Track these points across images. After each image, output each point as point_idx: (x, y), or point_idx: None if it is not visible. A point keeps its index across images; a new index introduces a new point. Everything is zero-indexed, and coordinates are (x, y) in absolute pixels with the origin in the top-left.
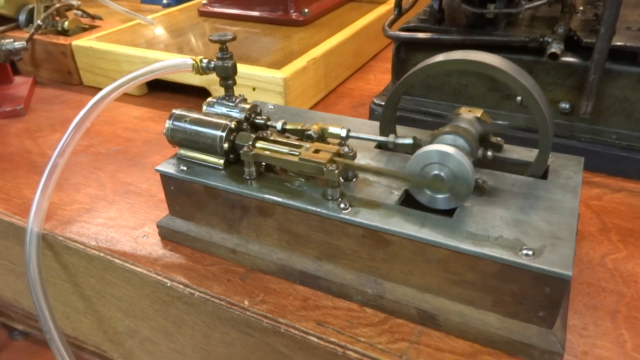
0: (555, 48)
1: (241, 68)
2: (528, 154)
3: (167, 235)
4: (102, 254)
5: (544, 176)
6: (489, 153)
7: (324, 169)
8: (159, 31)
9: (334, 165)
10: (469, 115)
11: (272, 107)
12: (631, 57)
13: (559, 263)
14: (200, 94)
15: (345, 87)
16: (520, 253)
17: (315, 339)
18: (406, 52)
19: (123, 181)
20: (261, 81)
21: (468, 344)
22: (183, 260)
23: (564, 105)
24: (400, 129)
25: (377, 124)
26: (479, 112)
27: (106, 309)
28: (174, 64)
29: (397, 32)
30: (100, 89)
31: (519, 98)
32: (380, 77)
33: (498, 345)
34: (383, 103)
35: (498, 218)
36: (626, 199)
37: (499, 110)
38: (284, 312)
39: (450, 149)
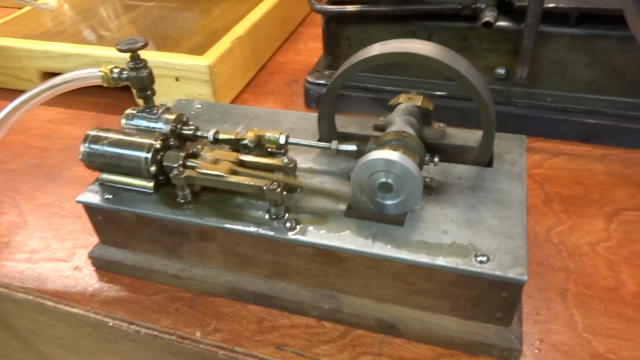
0: (488, 16)
1: (161, 57)
2: (472, 137)
3: (102, 266)
4: (30, 297)
5: (490, 163)
6: (436, 159)
7: (265, 188)
8: (63, 14)
9: (275, 184)
10: (408, 104)
11: (199, 106)
12: (563, 18)
13: (513, 267)
14: None
15: (275, 61)
16: (474, 260)
17: None
18: (336, 25)
19: (43, 202)
20: (184, 70)
21: (429, 348)
22: (123, 292)
23: (500, 71)
24: (339, 119)
25: (313, 115)
26: (419, 99)
27: (46, 347)
28: (78, 76)
29: (325, 6)
30: (2, 89)
31: None
32: (311, 46)
33: (459, 347)
34: (317, 81)
35: (449, 220)
36: (565, 163)
37: (436, 80)
38: (239, 339)
39: (394, 155)
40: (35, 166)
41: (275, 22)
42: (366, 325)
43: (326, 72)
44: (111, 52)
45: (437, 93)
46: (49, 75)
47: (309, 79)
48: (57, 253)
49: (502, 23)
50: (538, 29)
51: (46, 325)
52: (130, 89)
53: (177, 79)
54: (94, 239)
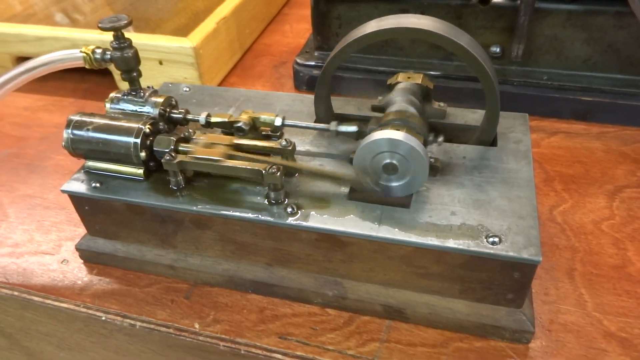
0: None
1: (143, 39)
2: (472, 117)
3: (91, 258)
4: (15, 293)
5: (493, 142)
6: (440, 139)
7: (264, 172)
8: None
9: (274, 167)
10: (407, 83)
11: (187, 89)
12: None
13: (527, 247)
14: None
15: (261, 44)
16: (485, 241)
17: (280, 356)
18: (326, 4)
19: (24, 194)
20: (168, 52)
21: (438, 332)
22: (115, 284)
23: (495, 49)
24: (335, 101)
25: (308, 97)
26: (418, 78)
27: (34, 344)
28: (57, 58)
29: None
30: None
31: None
32: (297, 28)
33: (469, 330)
34: (306, 63)
35: (457, 201)
36: (563, 141)
37: (430, 60)
38: (240, 329)
39: (399, 135)
40: (13, 156)
41: (260, 3)
42: (372, 311)
43: (316, 53)
44: (89, 35)
45: (432, 73)
46: (23, 60)
47: (298, 61)
48: (42, 246)
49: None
50: (534, 5)
51: (34, 322)
52: (111, 73)
53: (160, 62)
54: (81, 230)
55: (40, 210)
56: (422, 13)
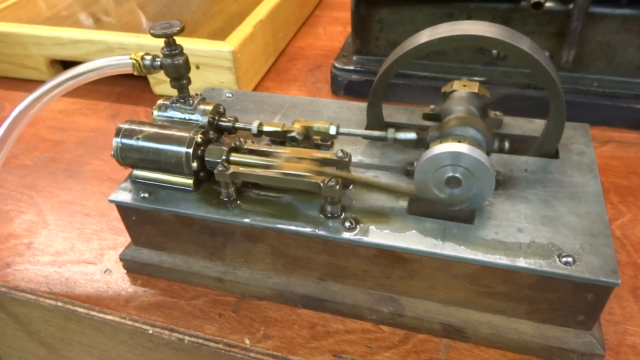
0: None
1: (179, 42)
2: (529, 127)
3: (135, 269)
4: (59, 304)
5: (555, 154)
6: (506, 144)
7: (322, 185)
8: None
9: (333, 180)
10: (464, 92)
11: (230, 95)
12: None
13: (603, 269)
14: None
15: (295, 47)
16: (558, 261)
17: None
18: (367, 7)
19: (63, 200)
20: (206, 56)
21: (500, 353)
22: (160, 296)
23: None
24: (383, 109)
25: (355, 104)
26: (475, 86)
27: (74, 355)
28: (107, 64)
29: None
30: (6, 78)
31: (494, 51)
32: (330, 30)
33: (533, 352)
34: (345, 67)
35: (523, 217)
36: (616, 151)
37: (473, 65)
38: (292, 346)
39: (463, 147)
40: (50, 160)
41: (293, 5)
42: (429, 329)
43: (354, 58)
44: (124, 38)
45: (475, 79)
46: (57, 63)
47: (337, 65)
48: (84, 255)
49: (548, 3)
50: (588, 10)
51: (76, 333)
52: (146, 77)
53: (197, 67)
54: (122, 239)
55: (80, 218)
56: (469, 17)
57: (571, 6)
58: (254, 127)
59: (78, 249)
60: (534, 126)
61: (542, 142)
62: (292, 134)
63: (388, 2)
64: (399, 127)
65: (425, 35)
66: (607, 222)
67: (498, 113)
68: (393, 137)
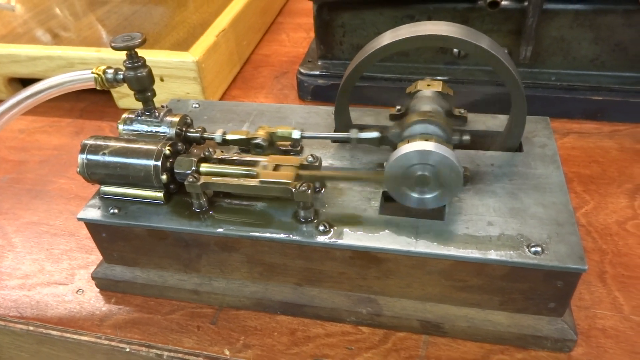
0: None
1: (141, 54)
2: (493, 122)
3: (108, 287)
4: (31, 328)
5: (519, 147)
6: (466, 137)
7: (294, 190)
8: (22, 14)
9: (305, 185)
10: (428, 91)
11: (197, 106)
12: None
13: (571, 256)
14: None
15: (260, 54)
16: (528, 252)
17: None
18: (329, 12)
19: (29, 221)
20: (170, 68)
21: (477, 345)
22: (136, 313)
23: None
24: (350, 112)
25: (323, 109)
26: (438, 85)
27: None
28: (68, 79)
29: None
30: None
31: (456, 50)
32: (294, 37)
33: (509, 341)
34: (310, 72)
35: (492, 210)
36: (576, 142)
37: (436, 65)
38: (273, 353)
39: (429, 145)
40: (13, 181)
41: (256, 13)
42: (408, 327)
43: (319, 63)
44: (84, 52)
45: (439, 78)
46: (15, 81)
47: (302, 71)
48: (54, 276)
49: (504, 2)
50: (542, 6)
51: (50, 356)
52: (109, 91)
53: (161, 79)
54: (94, 257)
55: (48, 238)
56: (429, 18)
57: (526, 4)
58: (217, 136)
59: (47, 270)
60: (497, 122)
61: (506, 137)
62: (257, 141)
63: (349, 6)
64: (365, 129)
65: (388, 37)
66: (572, 211)
67: (462, 110)
68: (356, 137)
